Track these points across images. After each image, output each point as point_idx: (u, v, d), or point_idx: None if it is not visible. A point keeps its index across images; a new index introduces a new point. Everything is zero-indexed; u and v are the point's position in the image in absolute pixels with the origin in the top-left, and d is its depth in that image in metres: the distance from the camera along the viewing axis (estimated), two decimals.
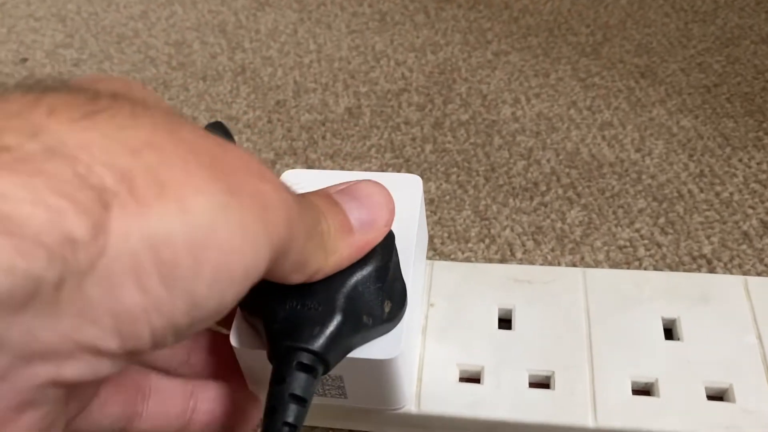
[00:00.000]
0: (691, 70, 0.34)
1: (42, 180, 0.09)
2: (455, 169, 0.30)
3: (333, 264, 0.16)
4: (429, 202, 0.29)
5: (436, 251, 0.27)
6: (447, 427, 0.21)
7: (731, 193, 0.28)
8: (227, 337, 0.18)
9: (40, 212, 0.09)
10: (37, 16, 0.42)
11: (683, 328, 0.22)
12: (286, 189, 0.14)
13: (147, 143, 0.11)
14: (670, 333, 0.22)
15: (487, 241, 0.27)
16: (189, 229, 0.11)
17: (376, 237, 0.16)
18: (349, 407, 0.20)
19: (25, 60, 0.39)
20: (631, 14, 0.38)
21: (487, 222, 0.28)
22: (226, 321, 0.18)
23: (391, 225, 0.17)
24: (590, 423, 0.20)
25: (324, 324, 0.16)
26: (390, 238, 0.18)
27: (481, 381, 0.21)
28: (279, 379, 0.16)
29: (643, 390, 0.21)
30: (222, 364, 0.19)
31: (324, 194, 0.16)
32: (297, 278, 0.15)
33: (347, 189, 0.16)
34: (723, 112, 0.32)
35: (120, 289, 0.10)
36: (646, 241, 0.27)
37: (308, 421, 0.22)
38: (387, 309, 0.17)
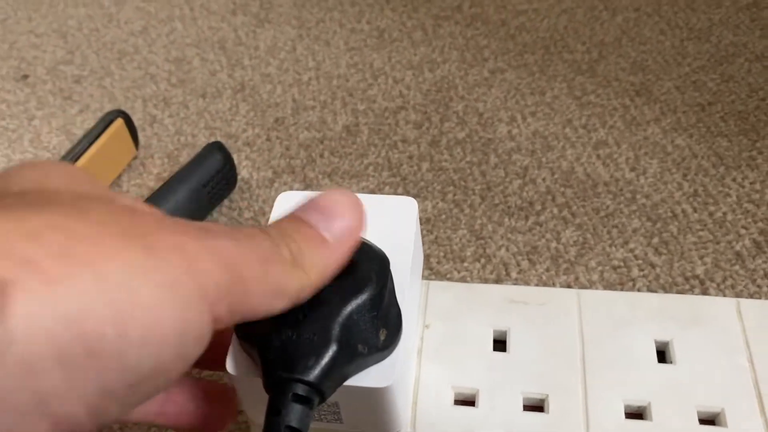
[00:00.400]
0: (686, 88, 0.34)
1: None
2: (451, 188, 0.30)
3: (317, 278, 0.16)
4: (425, 221, 0.29)
5: (432, 270, 0.27)
6: None
7: (724, 213, 0.28)
8: (204, 382, 0.18)
9: None
10: (38, 32, 0.42)
11: (676, 351, 0.22)
12: (213, 235, 0.13)
13: (49, 226, 0.11)
14: (663, 355, 0.22)
15: (482, 260, 0.27)
16: (108, 297, 0.11)
17: (351, 240, 0.17)
18: None
19: (26, 77, 0.39)
20: (626, 31, 0.38)
21: (482, 241, 0.28)
22: (212, 358, 0.18)
23: (363, 225, 0.17)
24: None
25: (319, 354, 0.16)
26: (385, 264, 0.18)
27: (475, 404, 0.21)
28: (275, 411, 0.16)
29: (636, 413, 0.21)
30: (200, 409, 0.19)
31: (290, 216, 0.16)
32: (281, 304, 0.15)
33: (311, 203, 0.16)
34: (717, 130, 0.32)
35: (41, 373, 0.10)
36: (640, 261, 0.27)
37: None
38: (382, 337, 0.18)
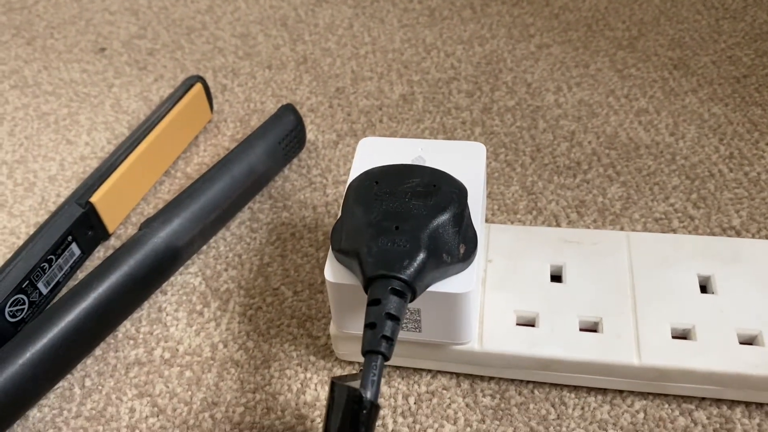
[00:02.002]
0: (721, 63, 0.36)
1: None
2: (503, 150, 0.33)
3: None
4: None
5: (488, 221, 0.30)
6: (505, 365, 0.23)
7: (759, 173, 0.30)
8: None
9: None
10: (111, 10, 0.46)
11: (717, 284, 0.24)
12: None
13: None
14: (704, 289, 0.25)
15: (534, 212, 0.30)
16: None
17: None
18: (421, 342, 0.23)
19: (103, 49, 0.42)
20: (664, 11, 0.40)
21: (533, 196, 0.31)
22: None
23: None
24: (635, 361, 0.22)
25: (412, 258, 0.19)
26: (463, 190, 0.21)
27: (536, 325, 0.23)
28: (375, 302, 0.19)
29: (681, 335, 0.23)
30: None
31: None
32: None
33: None
34: (752, 100, 0.34)
35: None
36: (679, 214, 0.29)
37: None
38: (462, 250, 0.20)
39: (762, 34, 0.38)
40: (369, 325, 0.18)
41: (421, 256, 0.19)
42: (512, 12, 0.42)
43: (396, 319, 0.18)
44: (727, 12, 0.40)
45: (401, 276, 0.19)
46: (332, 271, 0.21)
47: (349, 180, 0.23)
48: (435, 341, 0.22)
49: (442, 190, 0.21)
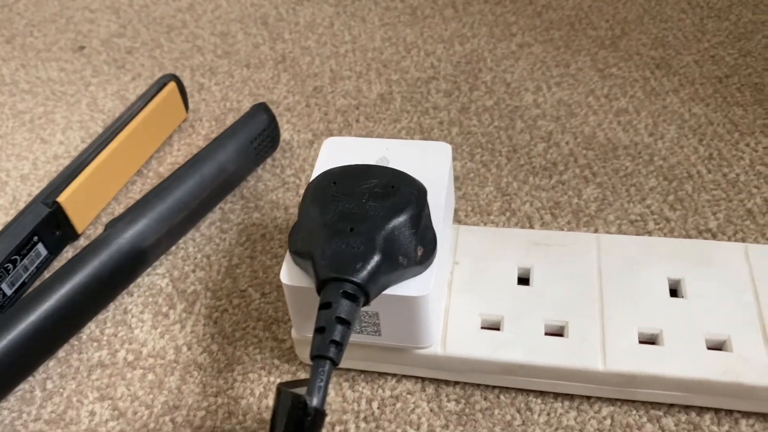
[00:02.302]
0: (704, 62, 0.36)
1: None
2: (479, 150, 0.32)
3: None
4: (455, 179, 0.31)
5: (460, 222, 0.29)
6: (469, 369, 0.23)
7: (737, 174, 0.30)
8: None
9: None
10: (92, 8, 0.45)
11: (687, 288, 0.24)
12: None
13: None
14: (675, 293, 0.24)
15: (507, 214, 0.29)
16: None
17: None
18: (382, 346, 0.22)
19: (82, 48, 0.42)
20: (648, 10, 0.40)
21: (508, 197, 0.30)
22: None
23: None
24: (600, 367, 0.22)
25: (366, 260, 0.19)
26: (423, 191, 0.21)
27: (501, 329, 0.23)
28: (326, 305, 0.18)
29: (649, 340, 0.23)
30: None
31: None
32: None
33: None
34: (733, 100, 0.34)
35: None
36: (655, 216, 0.29)
37: (342, 364, 0.24)
38: (419, 253, 0.20)
39: (746, 33, 0.37)
40: (318, 330, 0.18)
41: (375, 258, 0.19)
42: (495, 10, 0.41)
43: (347, 323, 0.18)
44: (712, 11, 0.39)
45: (353, 279, 0.18)
46: (288, 274, 0.21)
47: (312, 179, 0.22)
48: (395, 345, 0.22)
49: (400, 191, 0.20)
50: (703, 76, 0.35)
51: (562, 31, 0.39)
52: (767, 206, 0.29)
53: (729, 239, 0.28)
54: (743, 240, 0.28)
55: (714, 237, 0.28)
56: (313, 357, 0.17)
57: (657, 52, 0.37)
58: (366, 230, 0.19)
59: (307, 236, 0.20)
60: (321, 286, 0.19)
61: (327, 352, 0.17)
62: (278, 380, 0.25)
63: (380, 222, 0.19)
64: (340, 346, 0.18)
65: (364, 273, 0.18)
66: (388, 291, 0.20)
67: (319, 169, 0.24)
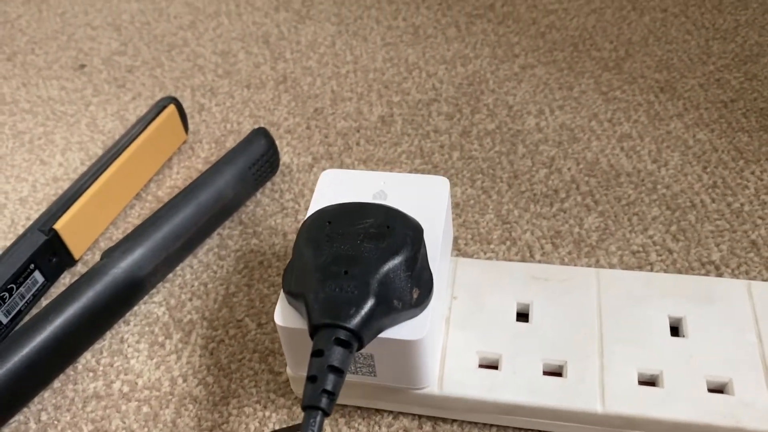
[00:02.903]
0: (709, 86, 0.35)
1: None
2: (480, 176, 0.32)
3: None
4: (455, 205, 0.31)
5: (460, 251, 0.29)
6: (466, 409, 0.23)
7: (742, 204, 0.30)
8: None
9: None
10: (94, 25, 0.45)
11: (688, 326, 0.23)
12: None
13: None
14: (676, 331, 0.24)
15: (508, 243, 0.29)
16: None
17: None
18: (378, 385, 0.22)
19: (83, 66, 0.42)
20: (653, 31, 0.39)
21: (508, 225, 0.30)
22: None
23: None
24: (598, 409, 0.21)
25: (359, 305, 0.18)
26: (419, 231, 0.20)
27: (498, 368, 0.23)
28: (319, 352, 0.18)
29: (649, 381, 0.22)
30: None
31: None
32: None
33: None
34: (738, 126, 0.33)
35: None
36: (658, 247, 0.28)
37: (339, 400, 0.24)
38: (415, 295, 0.20)
39: (752, 56, 0.37)
40: (310, 378, 0.18)
41: (370, 303, 0.18)
42: (497, 30, 0.41)
43: (339, 371, 0.18)
44: (718, 32, 0.39)
45: (347, 325, 0.18)
46: (282, 315, 0.20)
47: (307, 217, 0.22)
48: (391, 386, 0.22)
49: (396, 232, 0.20)
50: (708, 101, 0.35)
51: (566, 52, 0.39)
52: None
53: (732, 272, 0.27)
54: (747, 273, 0.27)
55: (717, 269, 0.27)
56: (304, 407, 0.17)
57: (661, 74, 0.37)
58: (360, 273, 0.19)
59: (301, 277, 0.19)
60: (314, 331, 0.18)
61: (319, 402, 0.17)
62: (273, 414, 0.24)
63: (375, 265, 0.19)
64: (332, 396, 0.17)
65: (358, 319, 0.18)
66: (383, 334, 0.19)
67: (315, 202, 0.23)
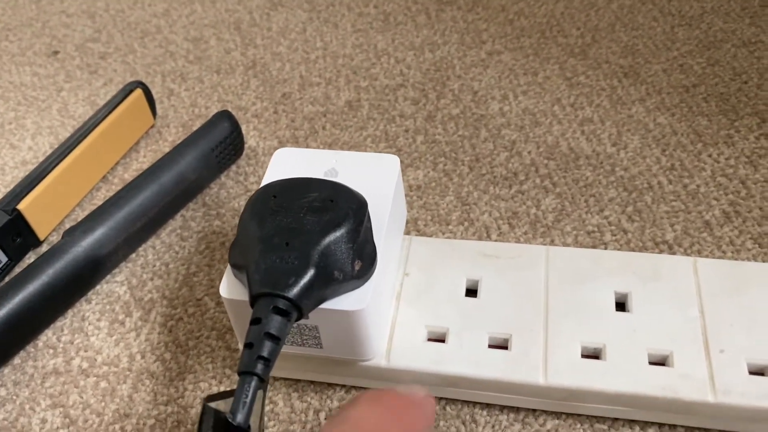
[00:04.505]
0: (672, 71, 0.36)
1: None
2: (442, 159, 0.32)
3: None
4: (417, 188, 0.31)
5: (419, 232, 0.29)
6: (413, 381, 0.23)
7: (698, 186, 0.30)
8: None
9: None
10: (69, 12, 0.45)
11: (633, 302, 0.24)
12: None
13: None
14: (623, 306, 0.24)
15: (466, 224, 0.29)
16: None
17: None
18: (326, 358, 0.22)
19: (56, 53, 0.42)
20: (620, 18, 0.40)
21: (467, 207, 0.30)
22: None
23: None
24: (540, 381, 0.22)
25: (299, 275, 0.19)
26: (362, 205, 0.21)
27: (446, 341, 0.23)
28: (256, 320, 0.18)
29: (593, 355, 0.23)
30: None
31: None
32: None
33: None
34: (698, 110, 0.33)
35: None
36: (613, 227, 0.29)
37: (291, 375, 0.24)
38: (357, 267, 0.20)
39: (716, 42, 0.37)
40: (247, 345, 0.18)
41: (309, 273, 0.19)
42: (467, 18, 0.41)
43: (276, 339, 0.18)
44: (684, 19, 0.39)
45: (285, 294, 0.18)
46: (227, 287, 0.21)
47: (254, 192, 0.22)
48: (337, 357, 0.22)
49: (339, 205, 0.20)
50: (670, 85, 0.35)
51: (533, 38, 0.39)
52: (725, 218, 0.29)
53: (685, 251, 0.28)
54: (699, 252, 0.28)
55: (670, 249, 0.28)
56: (239, 373, 0.18)
57: (626, 60, 0.37)
58: (301, 245, 0.19)
59: (244, 249, 0.20)
60: (253, 300, 0.19)
61: (254, 368, 0.17)
62: (228, 390, 0.25)
63: (316, 236, 0.19)
64: (267, 362, 0.18)
65: (297, 288, 0.19)
66: (325, 305, 0.20)
67: (266, 180, 0.24)
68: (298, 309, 0.19)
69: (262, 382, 0.18)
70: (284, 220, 0.20)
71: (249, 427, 0.17)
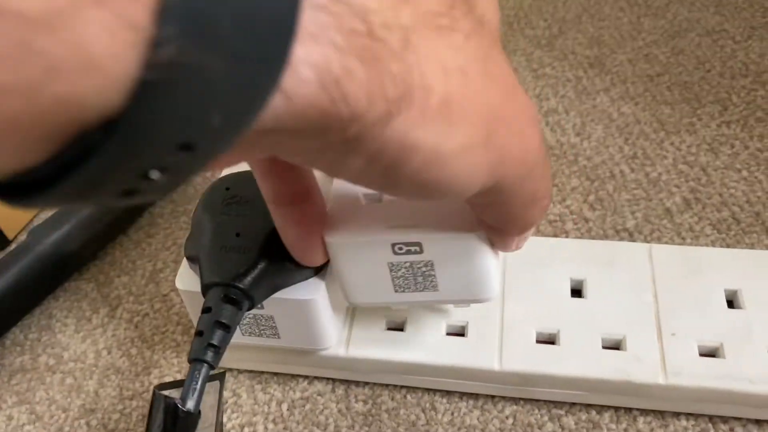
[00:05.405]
0: (637, 61, 0.36)
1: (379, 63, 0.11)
2: None
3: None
4: None
5: None
6: (373, 370, 0.23)
7: (659, 174, 0.30)
8: None
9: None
10: None
11: (588, 288, 0.24)
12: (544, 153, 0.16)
13: (460, 68, 0.13)
14: (578, 293, 0.24)
15: None
16: (434, 151, 0.12)
17: None
18: (285, 348, 0.23)
19: None
20: (587, 9, 0.40)
21: None
22: None
23: None
24: (495, 366, 0.22)
25: (249, 265, 0.19)
26: None
27: (404, 329, 0.23)
28: (207, 309, 0.19)
29: (548, 340, 0.23)
30: None
31: None
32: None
33: None
34: (662, 99, 0.34)
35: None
36: (574, 216, 0.29)
37: (253, 367, 0.25)
38: None
39: (681, 31, 0.38)
40: (198, 333, 0.18)
41: (260, 264, 0.19)
42: None
43: (226, 327, 0.18)
44: (650, 9, 0.39)
45: (235, 284, 0.19)
46: (182, 279, 0.21)
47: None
48: (295, 347, 0.22)
49: None
50: (635, 75, 0.35)
51: (500, 30, 0.39)
52: (685, 205, 0.29)
53: (645, 238, 0.28)
54: (659, 239, 0.28)
55: (630, 236, 0.28)
56: (190, 360, 0.18)
57: (592, 51, 0.37)
58: (252, 235, 0.19)
59: (197, 242, 0.20)
60: (205, 290, 0.19)
61: (204, 355, 0.18)
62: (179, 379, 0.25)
63: (267, 227, 0.20)
64: (217, 349, 0.18)
65: (248, 278, 0.19)
66: (279, 294, 0.20)
67: (225, 173, 0.24)
68: (250, 298, 0.19)
69: (212, 368, 0.18)
70: (236, 212, 0.20)
71: (200, 413, 0.17)
